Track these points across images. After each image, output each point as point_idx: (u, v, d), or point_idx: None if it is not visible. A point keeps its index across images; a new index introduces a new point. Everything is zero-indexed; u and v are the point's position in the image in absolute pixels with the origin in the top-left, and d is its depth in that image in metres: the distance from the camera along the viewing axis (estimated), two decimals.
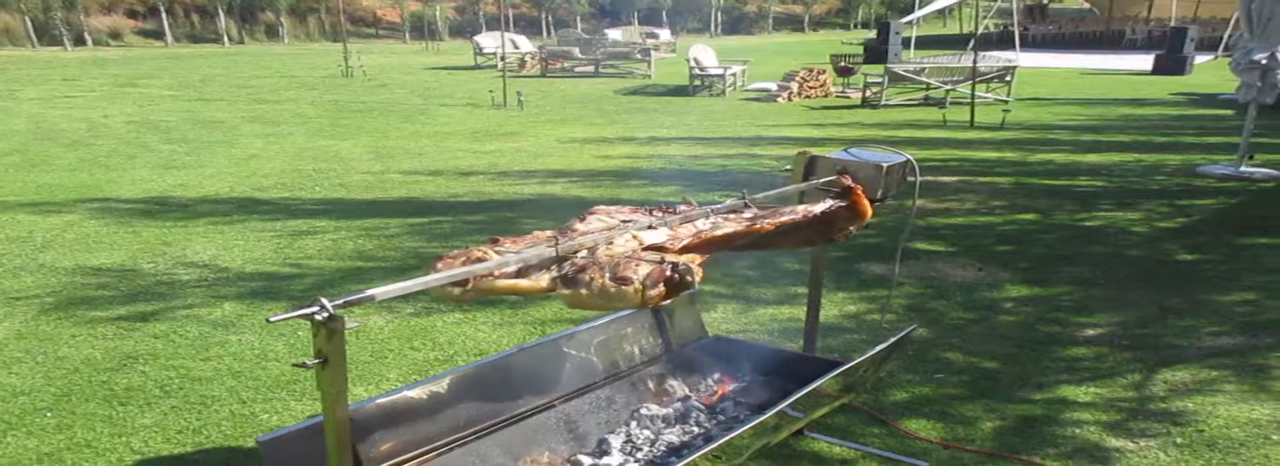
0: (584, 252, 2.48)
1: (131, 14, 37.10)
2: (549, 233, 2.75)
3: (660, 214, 3.06)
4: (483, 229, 7.21)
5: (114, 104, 16.35)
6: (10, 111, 15.03)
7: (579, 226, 2.81)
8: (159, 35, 36.14)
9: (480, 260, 2.35)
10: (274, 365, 4.54)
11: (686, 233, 2.71)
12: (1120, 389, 4.27)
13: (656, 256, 2.35)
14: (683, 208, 2.94)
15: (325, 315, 1.88)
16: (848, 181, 3.07)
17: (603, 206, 3.04)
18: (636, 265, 2.26)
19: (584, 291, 2.27)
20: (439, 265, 2.35)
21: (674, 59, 26.89)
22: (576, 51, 24.68)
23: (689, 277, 2.27)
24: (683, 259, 2.36)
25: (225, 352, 4.71)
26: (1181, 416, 3.98)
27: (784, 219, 2.81)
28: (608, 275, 2.25)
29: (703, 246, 2.61)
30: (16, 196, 8.54)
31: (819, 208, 2.97)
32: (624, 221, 2.73)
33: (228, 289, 5.75)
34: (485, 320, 5.15)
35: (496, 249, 2.49)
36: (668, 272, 2.25)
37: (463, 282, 2.30)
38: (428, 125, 13.96)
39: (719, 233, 2.65)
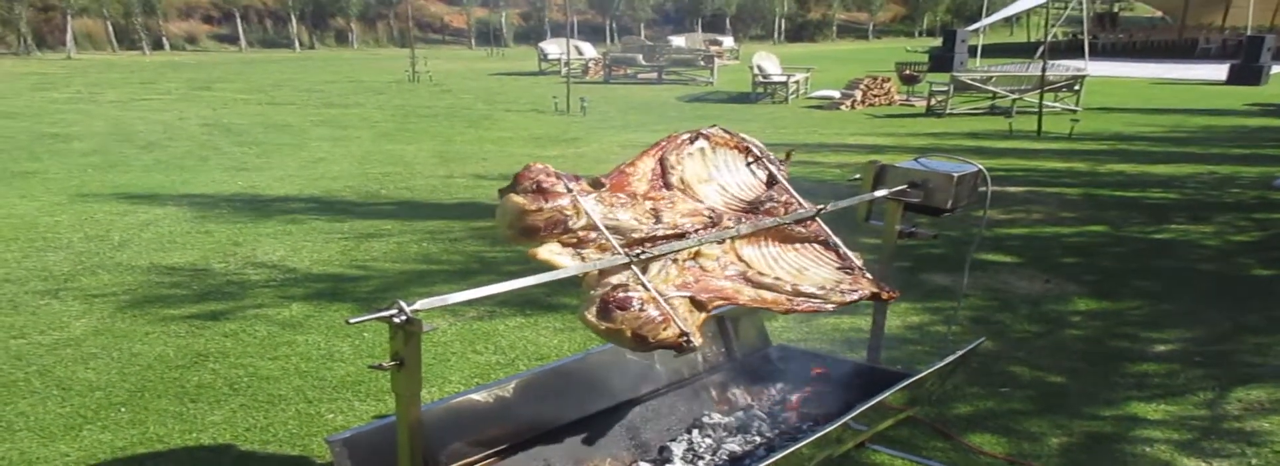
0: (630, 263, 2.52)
1: (207, 19, 37.91)
2: (646, 183, 2.77)
3: (750, 161, 3.16)
4: None
5: (189, 107, 16.75)
6: (91, 113, 15.47)
7: (682, 172, 2.88)
8: (233, 40, 36.91)
9: (567, 218, 2.47)
10: (340, 365, 4.62)
11: (733, 270, 2.87)
12: (1192, 407, 4.17)
13: (685, 318, 2.51)
14: (777, 177, 2.97)
15: (403, 318, 1.92)
16: (890, 297, 3.16)
17: (717, 132, 3.09)
18: (663, 328, 2.44)
19: (604, 326, 2.42)
20: (530, 180, 2.44)
21: (737, 66, 26.84)
22: (640, 58, 24.69)
23: (689, 350, 2.50)
24: (699, 327, 2.56)
25: (293, 352, 4.80)
26: (1257, 436, 3.88)
27: (816, 308, 2.94)
28: (632, 329, 2.41)
29: (731, 303, 2.78)
30: (96, 196, 8.79)
31: (847, 299, 3.05)
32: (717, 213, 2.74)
33: (296, 289, 5.86)
34: (547, 325, 5.19)
35: (590, 199, 2.53)
36: (679, 342, 2.46)
37: (528, 232, 2.44)
38: (492, 130, 14.09)
39: (753, 304, 2.81)
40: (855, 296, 3.02)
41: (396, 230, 7.45)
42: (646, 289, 2.52)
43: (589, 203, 2.56)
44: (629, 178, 2.81)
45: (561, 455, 3.05)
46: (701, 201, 2.94)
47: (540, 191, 2.48)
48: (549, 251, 2.46)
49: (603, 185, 2.69)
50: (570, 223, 2.49)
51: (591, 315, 2.44)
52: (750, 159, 3.20)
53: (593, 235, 2.54)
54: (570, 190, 2.52)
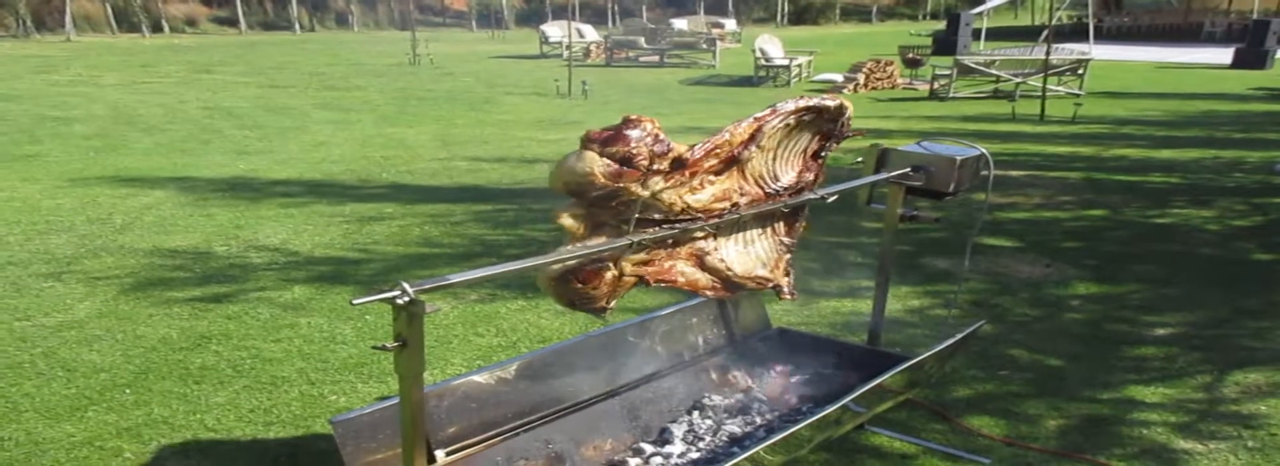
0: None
1: (207, 2, 37.76)
2: (723, 155, 2.75)
3: (816, 134, 3.09)
4: (548, 217, 7.26)
5: (189, 90, 16.72)
6: (91, 97, 15.45)
7: (759, 149, 2.87)
8: (233, 23, 36.78)
9: (620, 195, 2.44)
10: (342, 347, 4.64)
11: (699, 246, 2.95)
12: (1190, 390, 4.19)
13: (618, 295, 2.69)
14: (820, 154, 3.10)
15: (407, 299, 1.93)
16: (788, 298, 3.32)
17: (837, 106, 3.01)
18: (596, 301, 2.62)
19: (552, 286, 2.55)
20: (624, 147, 2.38)
21: (739, 49, 26.78)
22: (642, 41, 24.64)
23: (598, 318, 2.74)
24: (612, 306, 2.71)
25: (295, 334, 4.82)
26: (1254, 419, 3.90)
27: (730, 295, 3.15)
28: (573, 298, 2.58)
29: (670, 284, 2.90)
30: (98, 179, 8.80)
31: (760, 287, 3.22)
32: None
33: (298, 272, 5.87)
34: (548, 307, 5.20)
35: (655, 180, 2.51)
36: (595, 312, 2.66)
37: (576, 194, 2.44)
38: (493, 113, 14.08)
39: (684, 287, 2.93)
40: (766, 286, 3.21)
41: (398, 213, 7.46)
42: (616, 267, 2.59)
43: (651, 184, 2.50)
44: (713, 149, 2.68)
45: (563, 436, 3.07)
46: (746, 180, 2.88)
47: (624, 162, 2.37)
48: (571, 220, 2.46)
49: (684, 164, 2.57)
50: (617, 200, 2.47)
51: (548, 277, 2.53)
52: (819, 131, 3.09)
53: (623, 208, 2.51)
54: (648, 170, 2.44)
